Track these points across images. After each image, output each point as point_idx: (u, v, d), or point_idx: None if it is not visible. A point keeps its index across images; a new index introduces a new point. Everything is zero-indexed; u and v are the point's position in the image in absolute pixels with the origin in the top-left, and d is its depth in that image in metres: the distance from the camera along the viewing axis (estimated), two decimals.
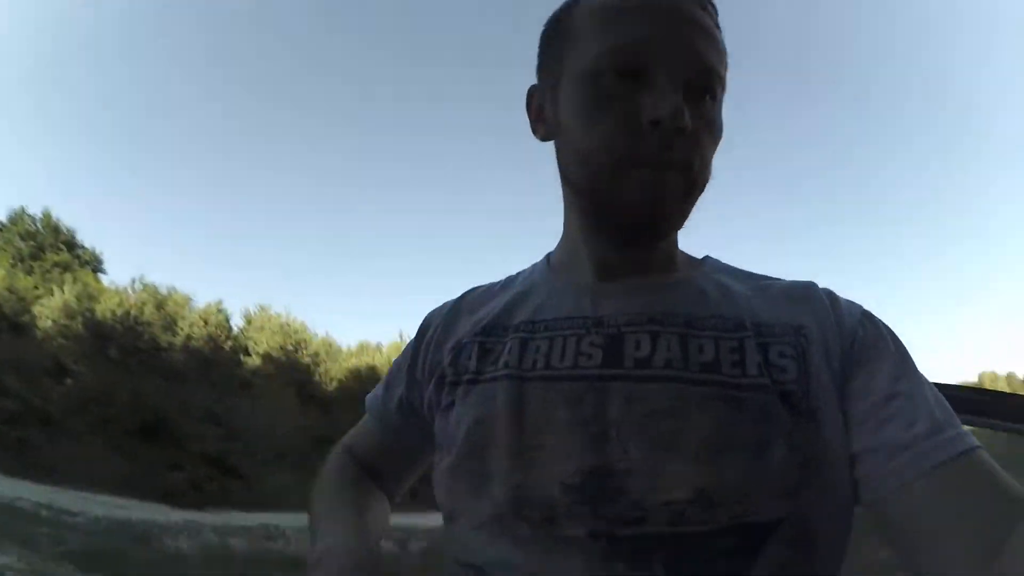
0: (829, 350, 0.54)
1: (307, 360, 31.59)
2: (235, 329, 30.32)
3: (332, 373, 32.68)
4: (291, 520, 11.46)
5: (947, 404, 0.52)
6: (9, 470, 11.61)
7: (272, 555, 8.93)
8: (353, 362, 34.46)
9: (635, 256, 0.64)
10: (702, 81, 0.59)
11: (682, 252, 0.68)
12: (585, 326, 0.60)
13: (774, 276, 0.65)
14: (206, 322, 27.89)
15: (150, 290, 25.69)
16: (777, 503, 0.49)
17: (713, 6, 0.62)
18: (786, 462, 0.49)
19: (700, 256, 0.70)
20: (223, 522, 10.56)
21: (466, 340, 0.66)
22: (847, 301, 0.60)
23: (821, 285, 0.61)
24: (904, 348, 0.56)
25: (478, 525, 0.55)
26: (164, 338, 24.68)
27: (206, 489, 13.99)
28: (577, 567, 0.49)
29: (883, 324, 0.58)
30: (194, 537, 9.44)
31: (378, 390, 0.78)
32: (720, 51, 0.60)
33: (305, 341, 32.27)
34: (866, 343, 0.55)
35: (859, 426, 0.52)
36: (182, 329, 25.75)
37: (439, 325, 0.72)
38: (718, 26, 0.61)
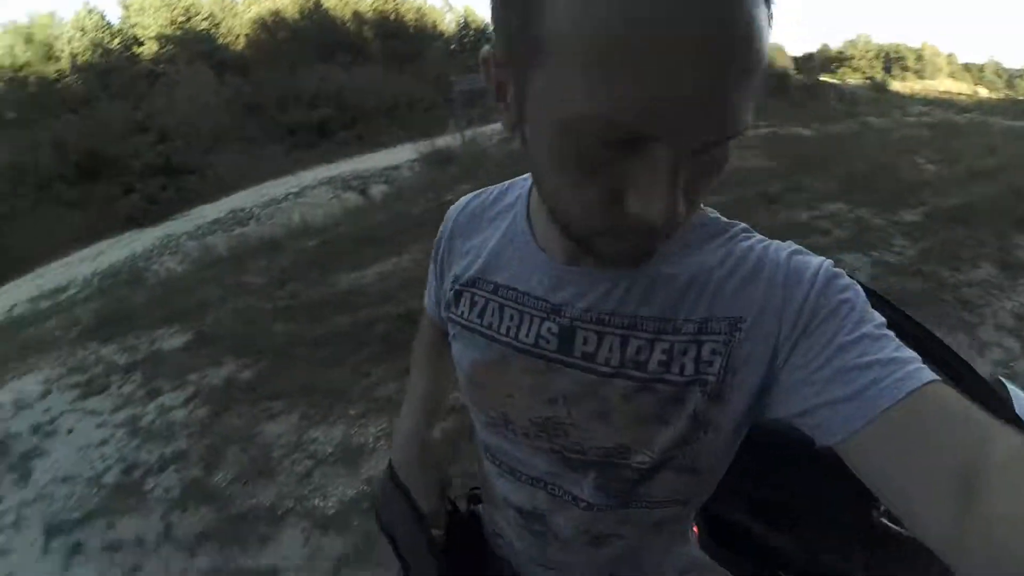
0: (769, 330, 0.55)
1: (204, 26, 29.51)
2: (114, 24, 27.72)
3: (236, 30, 30.63)
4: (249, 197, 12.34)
5: (899, 344, 0.51)
6: None
7: (250, 243, 7.94)
8: (255, 11, 31.94)
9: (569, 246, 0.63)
10: (723, 138, 0.44)
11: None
12: (545, 310, 0.65)
13: (748, 236, 0.62)
14: (83, 31, 25.50)
15: None
16: (673, 451, 0.61)
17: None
18: (685, 429, 0.60)
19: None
20: (194, 225, 10.90)
21: (459, 287, 0.74)
22: (805, 270, 0.56)
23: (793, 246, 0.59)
24: (857, 298, 0.54)
25: (482, 423, 0.75)
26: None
27: (162, 199, 14.73)
28: (543, 462, 0.69)
29: (838, 283, 0.55)
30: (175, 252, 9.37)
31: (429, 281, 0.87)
32: (756, 79, 0.42)
33: (194, 6, 29.63)
34: (816, 310, 0.54)
35: (808, 386, 0.52)
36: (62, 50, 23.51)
37: (447, 240, 0.79)
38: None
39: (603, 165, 0.45)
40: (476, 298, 0.72)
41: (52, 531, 2.93)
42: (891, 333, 0.53)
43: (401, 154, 13.94)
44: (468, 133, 13.22)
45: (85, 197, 15.24)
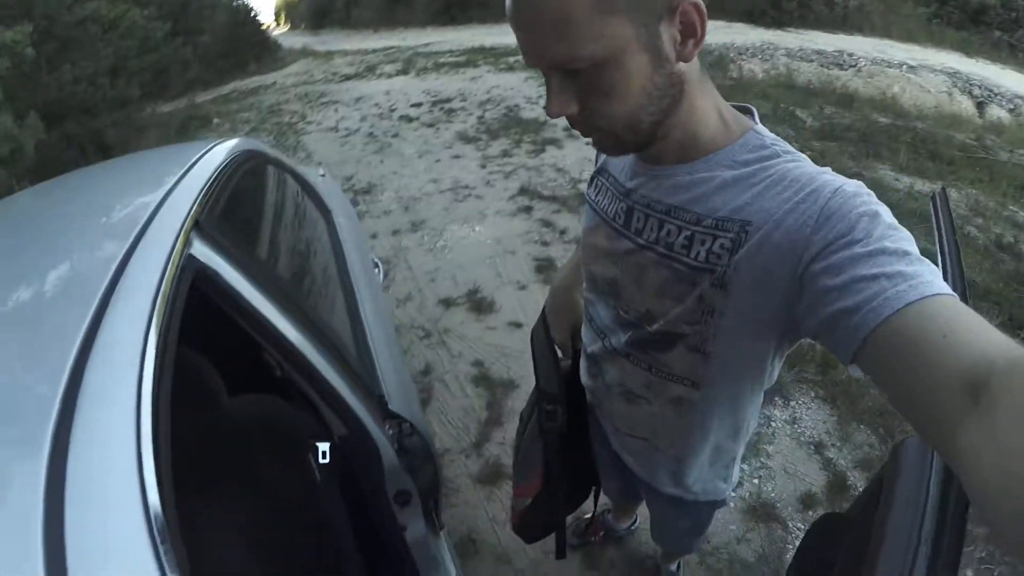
0: (780, 239, 0.64)
1: None
2: None
3: None
4: (864, 45, 10.77)
5: (915, 259, 0.56)
6: None
7: (832, 84, 7.66)
8: None
9: (646, 152, 0.77)
10: (569, 67, 0.64)
11: (724, 122, 0.74)
12: (621, 193, 0.84)
13: (793, 160, 0.70)
14: None
15: None
16: (685, 327, 0.78)
17: None
18: (694, 307, 0.75)
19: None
20: (798, 45, 10.05)
21: (593, 174, 0.96)
22: (826, 187, 0.64)
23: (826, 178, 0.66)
24: (877, 216, 0.60)
25: (585, 281, 0.98)
26: None
27: (784, 8, 12.75)
28: (606, 316, 0.93)
29: (857, 199, 0.62)
30: (767, 60, 8.89)
31: None
32: (565, 27, 0.61)
33: None
34: (831, 222, 0.61)
35: (824, 294, 0.59)
36: None
37: None
38: None
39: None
40: (597, 182, 0.93)
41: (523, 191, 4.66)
42: (912, 251, 0.57)
43: None
44: None
45: None
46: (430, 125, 6.84)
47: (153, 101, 9.66)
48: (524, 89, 7.95)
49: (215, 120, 8.87)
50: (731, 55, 9.08)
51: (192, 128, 8.57)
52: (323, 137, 7.07)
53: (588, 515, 1.95)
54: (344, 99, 8.91)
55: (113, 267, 0.79)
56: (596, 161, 0.99)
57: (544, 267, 3.62)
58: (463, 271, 3.66)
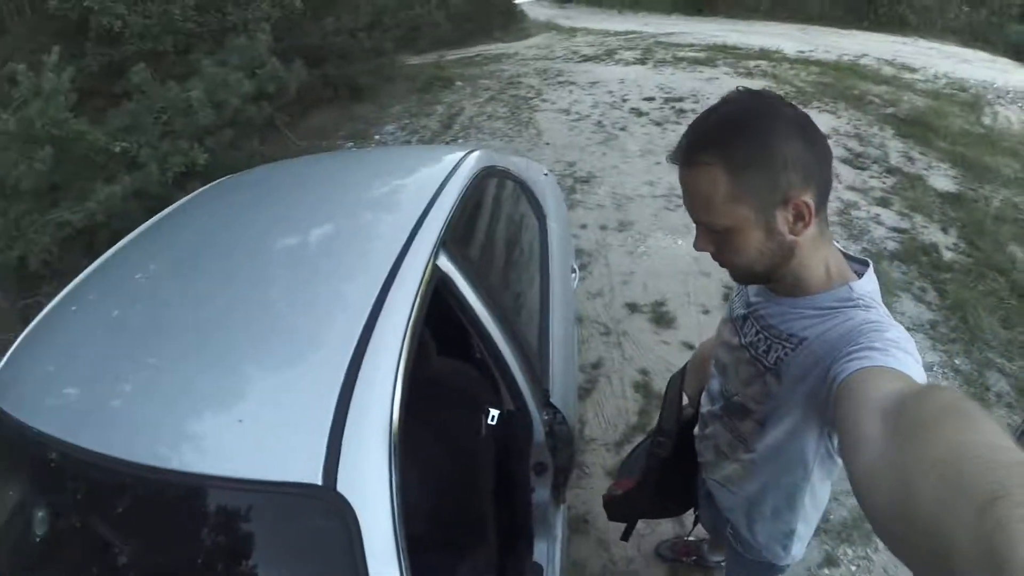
0: (820, 351, 0.91)
1: None
2: None
3: None
4: None
5: (892, 354, 0.79)
6: (862, 25, 12.72)
7: None
8: None
9: (767, 284, 1.04)
10: (708, 228, 0.94)
11: (829, 275, 0.96)
12: (745, 303, 1.12)
13: (866, 309, 0.92)
14: None
15: None
16: (752, 403, 1.08)
17: (717, 148, 0.87)
18: (759, 388, 1.05)
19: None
20: None
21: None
22: (864, 323, 0.88)
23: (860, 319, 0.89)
24: (877, 327, 0.86)
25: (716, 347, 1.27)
26: None
27: None
28: (716, 391, 1.23)
29: (879, 333, 0.84)
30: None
31: None
32: (708, 203, 0.90)
33: None
34: (850, 345, 0.84)
35: (836, 365, 0.83)
36: None
37: None
38: (721, 160, 0.86)
39: None
40: (738, 288, 1.20)
41: None
42: (896, 352, 0.80)
43: None
44: None
45: (983, 2, 12.70)
46: (658, 124, 6.93)
47: (403, 53, 10.34)
48: None
49: (458, 83, 9.55)
50: (988, 97, 7.98)
51: (435, 87, 9.28)
52: (555, 118, 7.42)
53: (691, 537, 2.18)
54: (580, 81, 9.17)
55: (387, 271, 1.21)
56: None
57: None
58: (656, 280, 3.88)
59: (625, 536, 1.66)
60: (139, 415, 1.02)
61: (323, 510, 0.88)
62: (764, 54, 10.21)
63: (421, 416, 1.54)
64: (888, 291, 3.67)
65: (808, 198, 0.88)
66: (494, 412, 1.62)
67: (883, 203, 4.83)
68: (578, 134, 6.75)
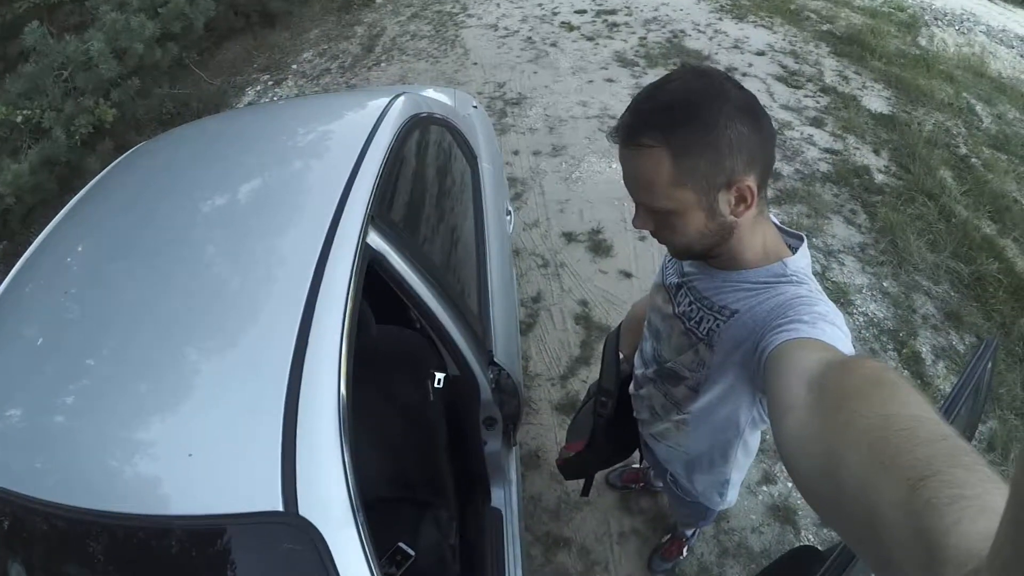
0: (750, 323, 0.94)
1: None
2: None
3: None
4: None
5: (820, 327, 0.82)
6: None
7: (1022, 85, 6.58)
8: None
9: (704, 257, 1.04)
10: (647, 207, 0.94)
11: (765, 250, 0.99)
12: (680, 272, 1.14)
13: (797, 284, 0.96)
14: None
15: None
16: (685, 371, 1.12)
17: (663, 130, 0.85)
18: (692, 356, 1.09)
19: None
20: (1002, 23, 8.62)
21: None
22: (790, 297, 0.92)
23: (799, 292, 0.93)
24: (806, 301, 0.89)
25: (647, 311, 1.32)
26: None
27: None
28: (649, 354, 1.28)
29: (811, 308, 0.87)
30: (963, 33, 7.71)
31: None
32: (650, 186, 0.89)
33: None
34: (781, 313, 0.89)
35: (765, 338, 0.87)
36: None
37: None
38: (666, 142, 0.85)
39: None
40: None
41: None
42: (823, 324, 0.83)
43: None
44: None
45: None
46: (589, 38, 6.75)
47: None
48: (695, 13, 7.54)
49: (378, 1, 9.14)
50: (926, 18, 8.06)
51: (355, 7, 8.68)
52: (482, 35, 7.15)
53: (636, 465, 2.31)
54: None
55: (316, 258, 1.18)
56: None
57: None
58: (591, 208, 3.89)
59: (585, 492, 1.76)
60: (80, 455, 0.98)
61: (288, 537, 0.88)
62: None
63: (369, 386, 1.56)
64: (820, 213, 3.81)
65: (751, 181, 0.89)
66: (439, 376, 1.65)
67: (817, 123, 4.90)
68: (507, 52, 6.54)
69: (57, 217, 1.58)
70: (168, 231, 1.37)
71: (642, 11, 7.56)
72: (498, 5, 8.19)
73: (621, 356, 1.52)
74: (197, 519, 0.88)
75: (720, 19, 7.28)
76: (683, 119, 0.85)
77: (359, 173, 1.45)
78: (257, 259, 1.25)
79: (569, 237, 3.66)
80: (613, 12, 7.52)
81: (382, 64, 6.70)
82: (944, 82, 5.94)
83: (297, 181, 1.51)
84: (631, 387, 1.44)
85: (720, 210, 0.91)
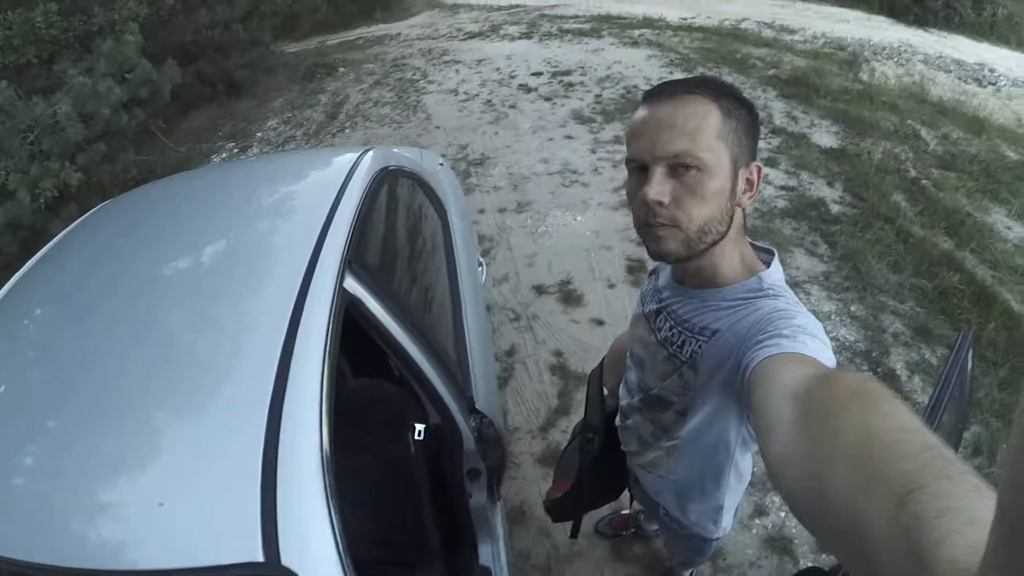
0: (732, 341, 0.93)
1: None
2: None
3: None
4: (1009, 61, 9.43)
5: (802, 341, 0.81)
6: None
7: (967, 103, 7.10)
8: None
9: (680, 268, 1.06)
10: (679, 162, 0.88)
11: (743, 265, 1.00)
12: (658, 298, 1.14)
13: (775, 298, 0.95)
14: None
15: None
16: (671, 396, 1.10)
17: (714, 90, 0.91)
18: (676, 381, 1.07)
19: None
20: (938, 50, 9.39)
21: (650, 272, 1.30)
22: (767, 311, 0.91)
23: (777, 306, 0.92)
24: (785, 314, 0.89)
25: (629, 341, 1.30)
26: None
27: (929, 7, 11.78)
28: (634, 383, 1.24)
29: (791, 321, 0.87)
30: (902, 64, 8.46)
31: None
32: (696, 133, 0.88)
33: None
34: (761, 329, 0.87)
35: (747, 353, 0.85)
36: None
37: None
38: (717, 100, 0.90)
39: (637, 187, 0.93)
40: (649, 282, 1.25)
41: None
42: (804, 337, 0.82)
43: None
44: None
45: None
46: (547, 99, 6.96)
47: (282, 42, 10.00)
48: (646, 68, 7.88)
49: (341, 69, 9.24)
50: (865, 54, 8.59)
51: (318, 75, 8.96)
52: (443, 99, 7.33)
53: (625, 511, 2.25)
54: (466, 59, 9.07)
55: (292, 304, 1.14)
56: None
57: (635, 268, 3.81)
58: (559, 260, 3.92)
59: (574, 534, 1.70)
60: (47, 512, 0.90)
61: None
62: (648, 22, 10.46)
63: (348, 442, 1.50)
64: (782, 248, 3.89)
65: (757, 168, 0.96)
66: (420, 427, 1.59)
67: (770, 163, 5.07)
68: (468, 115, 6.70)
69: (15, 277, 1.51)
70: (136, 285, 1.33)
71: (596, 70, 7.86)
72: (457, 71, 8.44)
73: (605, 391, 1.50)
74: (172, 573, 0.81)
75: (671, 72, 7.59)
76: (727, 91, 0.94)
77: (333, 221, 1.43)
78: (231, 307, 1.21)
79: (539, 289, 3.66)
80: (568, 73, 7.80)
81: (346, 130, 6.80)
82: (888, 112, 6.24)
83: (270, 232, 1.49)
84: (617, 419, 1.41)
85: (737, 189, 0.94)
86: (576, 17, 11.51)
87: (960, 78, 8.14)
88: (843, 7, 11.98)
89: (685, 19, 10.57)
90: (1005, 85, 8.19)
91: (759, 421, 0.70)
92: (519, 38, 10.24)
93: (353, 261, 1.34)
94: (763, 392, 0.74)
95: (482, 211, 4.58)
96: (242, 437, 0.91)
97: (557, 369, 3.05)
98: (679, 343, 1.05)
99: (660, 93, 0.94)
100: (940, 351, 3.20)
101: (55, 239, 1.70)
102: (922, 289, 3.62)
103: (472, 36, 10.90)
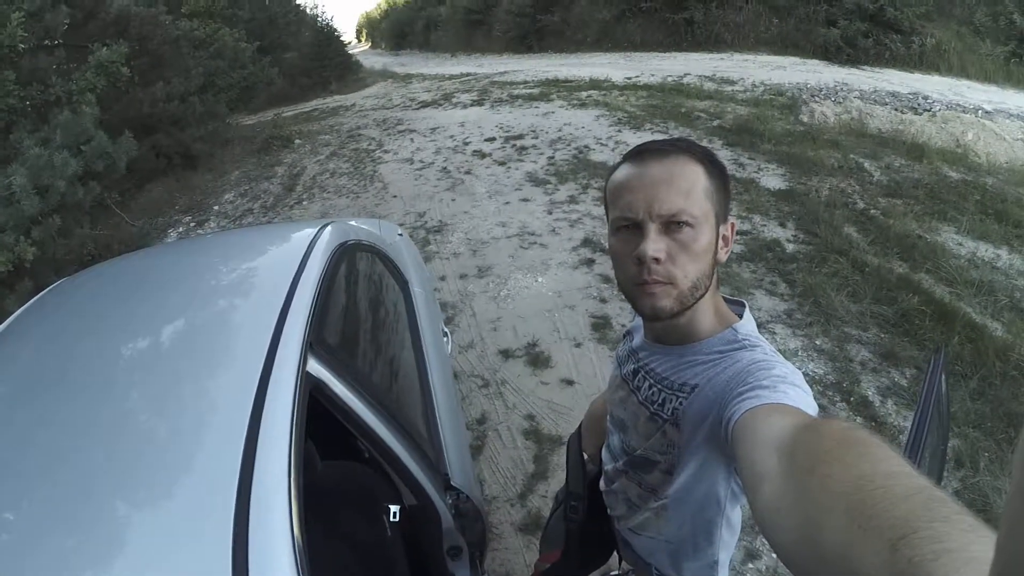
0: (712, 395, 0.92)
1: None
2: None
3: None
4: (940, 86, 10.06)
5: (783, 391, 0.81)
6: (682, 47, 14.28)
7: (905, 131, 7.42)
8: None
9: (658, 327, 1.05)
10: (675, 219, 0.90)
11: (717, 318, 1.02)
12: (635, 358, 1.14)
13: (752, 349, 0.96)
14: None
15: None
16: (657, 455, 1.07)
17: (695, 152, 0.96)
18: (660, 439, 1.05)
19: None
20: (872, 85, 9.82)
21: (624, 333, 1.28)
22: (746, 364, 0.91)
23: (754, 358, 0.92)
24: (763, 365, 0.89)
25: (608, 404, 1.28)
26: None
27: (860, 45, 13.18)
28: (617, 447, 1.22)
29: (769, 372, 0.87)
30: (839, 103, 8.84)
31: None
32: (689, 191, 0.91)
33: None
34: (740, 386, 0.86)
35: (728, 407, 0.85)
36: None
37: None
38: (701, 161, 0.95)
39: (628, 244, 0.94)
40: (624, 343, 1.24)
41: (586, 242, 4.99)
42: (785, 387, 0.82)
43: None
44: None
45: (791, 11, 14.58)
46: (502, 163, 7.12)
47: (238, 114, 10.16)
48: (595, 129, 8.15)
49: (297, 141, 9.39)
50: (804, 97, 9.04)
51: (275, 147, 9.08)
52: (399, 168, 7.44)
53: (615, 572, 2.19)
54: (420, 128, 9.27)
55: (255, 390, 1.10)
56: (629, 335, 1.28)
57: (600, 325, 3.81)
58: (524, 323, 3.92)
59: None
60: None
61: None
62: (594, 84, 10.87)
63: (319, 530, 1.44)
64: (742, 291, 3.99)
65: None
66: (394, 509, 1.54)
67: None
68: (424, 183, 6.79)
69: None
70: (93, 370, 1.27)
71: (547, 133, 8.08)
72: (412, 140, 8.59)
73: (585, 457, 1.48)
74: None
75: (619, 131, 7.84)
76: (707, 152, 0.98)
77: (293, 300, 1.40)
78: (191, 394, 1.17)
79: (506, 354, 3.64)
80: (521, 137, 8.00)
81: (303, 202, 6.80)
82: (831, 149, 6.55)
83: (228, 314, 1.45)
84: (602, 484, 1.38)
85: (719, 241, 0.97)
86: (525, 83, 11.90)
87: (896, 109, 8.61)
88: (778, 55, 12.79)
89: (630, 78, 11.03)
90: (940, 109, 8.68)
91: (746, 474, 0.69)
92: (471, 105, 10.52)
93: (315, 343, 1.32)
94: (748, 444, 0.73)
95: (443, 278, 4.58)
96: (210, 528, 0.86)
97: (530, 433, 3.00)
98: (660, 401, 1.05)
99: (648, 152, 0.96)
100: (909, 372, 3.27)
101: (8, 320, 1.63)
102: (883, 315, 3.73)
103: (426, 105, 11.18)
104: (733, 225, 1.01)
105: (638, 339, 1.17)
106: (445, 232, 5.44)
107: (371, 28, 38.03)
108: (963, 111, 8.95)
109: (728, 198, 1.00)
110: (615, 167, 1.02)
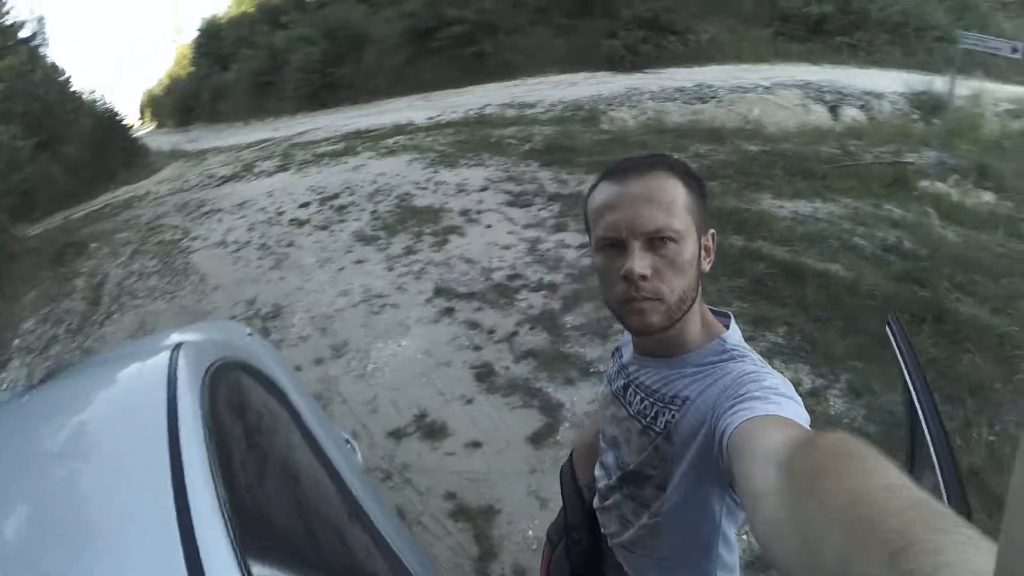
0: (704, 407, 0.92)
1: None
2: None
3: None
4: (720, 74, 12.21)
5: (776, 402, 0.81)
6: (477, 80, 15.02)
7: (700, 120, 8.83)
8: None
9: (648, 341, 1.06)
10: (659, 235, 0.93)
11: (704, 329, 1.04)
12: (624, 373, 1.14)
13: (741, 360, 0.97)
14: None
15: None
16: (650, 469, 1.05)
17: (673, 167, 0.98)
18: (653, 453, 1.03)
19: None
20: (660, 85, 11.15)
21: (613, 350, 1.28)
22: (736, 375, 0.92)
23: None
24: (754, 376, 0.89)
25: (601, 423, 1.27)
26: None
27: (642, 51, 15.41)
28: (611, 464, 1.18)
29: (760, 381, 0.88)
30: (634, 106, 10.05)
31: None
32: (670, 206, 0.94)
33: None
34: (733, 393, 0.87)
35: (720, 419, 0.85)
36: None
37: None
38: (679, 175, 0.97)
39: (613, 262, 0.96)
40: (614, 358, 1.25)
41: (439, 292, 4.69)
42: (777, 398, 0.82)
43: (887, 81, 12.04)
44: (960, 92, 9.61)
45: (574, 29, 16.82)
46: (323, 227, 6.76)
47: (21, 224, 9.11)
48: (411, 174, 8.05)
49: (92, 245, 8.41)
50: (600, 107, 9.70)
51: (69, 256, 8.08)
52: (212, 254, 6.82)
53: None
54: (226, 206, 8.64)
55: None
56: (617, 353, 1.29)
57: (484, 374, 3.64)
58: (402, 394, 3.63)
59: None
60: None
61: None
62: (399, 129, 10.86)
63: None
64: (596, 296, 4.03)
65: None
66: None
67: (560, 228, 5.32)
68: (244, 265, 6.25)
69: None
70: None
71: (363, 187, 7.87)
72: (220, 220, 7.97)
73: (581, 486, 1.44)
74: None
75: (436, 171, 7.84)
76: (683, 166, 1.01)
77: (186, 479, 1.05)
78: None
79: (396, 435, 3.32)
80: (336, 196, 7.70)
81: (114, 315, 5.95)
82: (639, 148, 7.18)
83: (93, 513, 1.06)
84: (596, 502, 1.35)
85: (701, 253, 0.99)
86: (327, 139, 11.65)
87: (686, 102, 9.66)
88: (569, 73, 13.84)
89: (432, 118, 11.17)
90: (724, 94, 9.86)
91: (744, 490, 0.69)
92: (276, 172, 10.14)
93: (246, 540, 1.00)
94: (746, 459, 0.73)
95: (299, 368, 4.11)
96: None
97: (457, 513, 2.72)
98: (652, 414, 1.05)
99: (626, 170, 0.99)
100: (782, 330, 3.54)
101: None
102: (740, 287, 3.99)
103: (226, 180, 10.62)
104: (713, 235, 1.03)
105: (627, 354, 1.18)
106: (283, 316, 4.98)
107: (155, 106, 35.43)
108: (744, 92, 10.30)
109: (705, 210, 1.01)
110: (593, 186, 1.04)
